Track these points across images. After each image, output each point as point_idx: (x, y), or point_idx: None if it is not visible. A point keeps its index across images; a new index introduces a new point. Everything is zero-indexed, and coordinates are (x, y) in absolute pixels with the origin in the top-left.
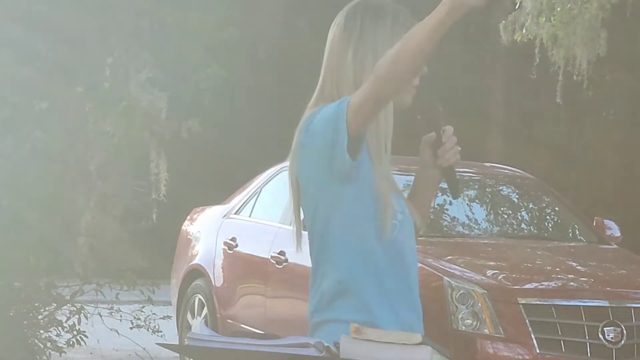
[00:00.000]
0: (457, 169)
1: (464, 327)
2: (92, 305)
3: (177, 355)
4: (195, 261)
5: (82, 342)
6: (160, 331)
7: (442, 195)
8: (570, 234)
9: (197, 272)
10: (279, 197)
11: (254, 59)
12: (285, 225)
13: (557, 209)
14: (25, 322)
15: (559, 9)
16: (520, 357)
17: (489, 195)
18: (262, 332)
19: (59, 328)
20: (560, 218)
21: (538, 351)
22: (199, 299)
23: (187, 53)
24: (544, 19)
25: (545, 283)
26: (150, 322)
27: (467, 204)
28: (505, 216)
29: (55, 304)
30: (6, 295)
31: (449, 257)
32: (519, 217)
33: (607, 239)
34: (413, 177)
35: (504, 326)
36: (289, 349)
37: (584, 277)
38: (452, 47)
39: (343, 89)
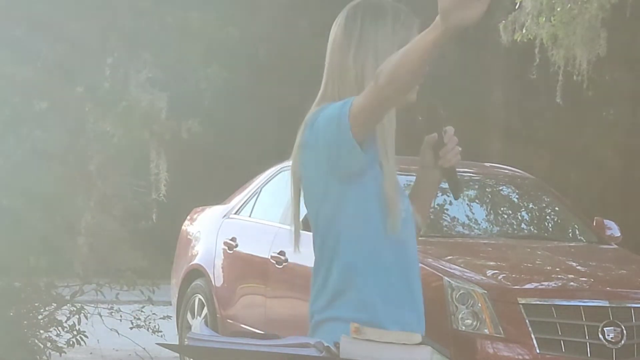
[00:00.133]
0: (457, 169)
1: (464, 327)
2: (92, 305)
3: (177, 355)
4: (195, 261)
5: (82, 342)
6: (160, 331)
7: (442, 195)
8: (570, 234)
9: (197, 272)
10: (279, 197)
11: (254, 59)
12: (285, 225)
13: (557, 209)
14: (25, 322)
15: (559, 9)
16: (520, 357)
17: (489, 195)
18: (262, 332)
19: (59, 328)
20: (560, 218)
21: (538, 351)
22: (199, 299)
23: (187, 53)
24: (544, 19)
25: (545, 283)
26: (150, 322)
27: (467, 204)
28: (505, 216)
29: (55, 304)
30: (6, 295)
31: (449, 257)
32: (519, 217)
33: (607, 239)
34: (413, 177)
35: (504, 326)
36: (289, 349)
37: (584, 277)
38: (452, 47)
39: (345, 89)
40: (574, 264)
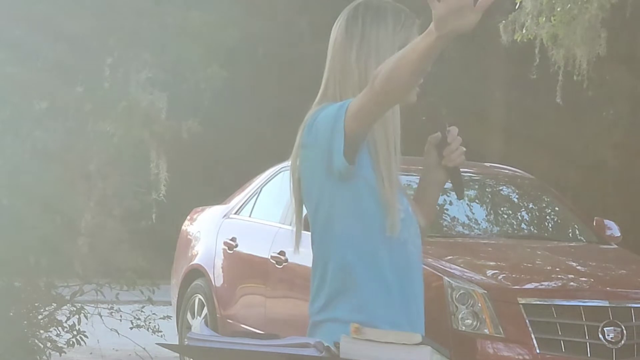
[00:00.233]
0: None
1: (464, 327)
2: (92, 305)
3: (177, 355)
4: (195, 261)
5: (82, 342)
6: (160, 331)
7: (442, 195)
8: (570, 234)
9: (197, 272)
10: (279, 197)
11: (254, 59)
12: (285, 225)
13: (557, 209)
14: (25, 322)
15: (559, 9)
16: (520, 357)
17: (489, 195)
18: (262, 332)
19: (59, 328)
20: (560, 218)
21: (538, 351)
22: (199, 299)
23: (187, 53)
24: (544, 19)
25: (545, 283)
26: (150, 322)
27: (467, 204)
28: (505, 216)
29: (55, 304)
30: (6, 295)
31: (449, 257)
32: (519, 217)
33: (607, 239)
34: (413, 176)
35: (504, 326)
36: (289, 349)
37: (584, 277)
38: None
39: (347, 90)
40: (574, 264)
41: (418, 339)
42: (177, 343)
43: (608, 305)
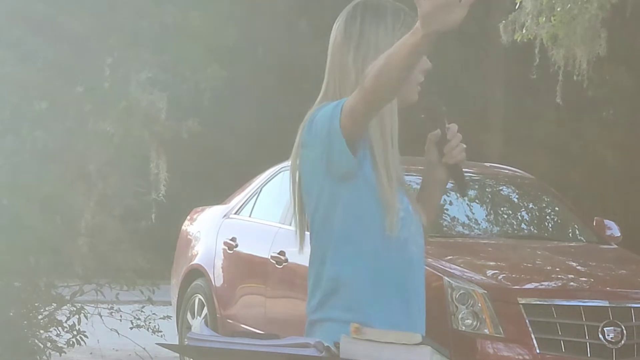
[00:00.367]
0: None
1: (464, 327)
2: (92, 305)
3: (177, 355)
4: (195, 261)
5: (82, 342)
6: (160, 331)
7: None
8: (570, 234)
9: (197, 272)
10: (279, 197)
11: (254, 59)
12: (285, 225)
13: (557, 209)
14: (25, 322)
15: (559, 9)
16: (520, 357)
17: (489, 195)
18: (262, 332)
19: (59, 328)
20: (560, 218)
21: (538, 351)
22: (199, 299)
23: (187, 53)
24: (544, 19)
25: (545, 283)
26: (150, 322)
27: (467, 204)
28: (505, 216)
29: (55, 304)
30: (6, 295)
31: (449, 257)
32: (519, 217)
33: (607, 239)
34: (413, 176)
35: (504, 326)
36: (289, 349)
37: (584, 277)
38: (453, 47)
39: (345, 89)
40: (574, 264)
41: (418, 339)
42: (177, 343)
43: (608, 305)
